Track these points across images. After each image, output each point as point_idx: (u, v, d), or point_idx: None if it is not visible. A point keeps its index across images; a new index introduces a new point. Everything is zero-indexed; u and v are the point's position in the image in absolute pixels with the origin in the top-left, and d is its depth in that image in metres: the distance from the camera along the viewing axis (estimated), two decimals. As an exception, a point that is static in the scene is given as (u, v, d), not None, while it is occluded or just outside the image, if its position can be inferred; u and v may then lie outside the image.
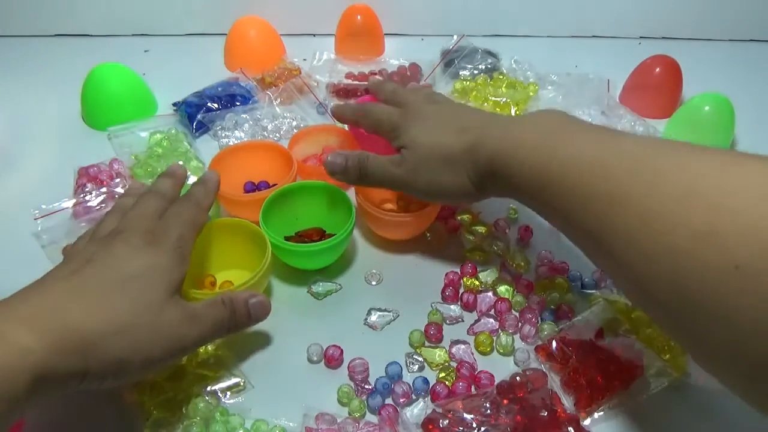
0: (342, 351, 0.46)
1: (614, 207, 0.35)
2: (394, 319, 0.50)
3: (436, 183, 0.47)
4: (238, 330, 0.43)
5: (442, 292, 0.51)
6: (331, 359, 0.46)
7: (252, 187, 0.59)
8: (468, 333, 0.49)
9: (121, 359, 0.34)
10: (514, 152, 0.42)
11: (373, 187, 0.52)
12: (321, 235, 0.53)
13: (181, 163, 0.63)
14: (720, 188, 0.31)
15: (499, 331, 0.48)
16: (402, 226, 0.54)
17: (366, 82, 0.75)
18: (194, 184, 0.47)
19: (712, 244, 0.30)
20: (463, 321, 0.50)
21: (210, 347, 0.46)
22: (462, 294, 0.51)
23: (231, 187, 0.57)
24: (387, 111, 0.52)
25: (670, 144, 0.36)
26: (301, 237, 0.54)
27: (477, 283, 0.52)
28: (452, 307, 0.50)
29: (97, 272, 0.36)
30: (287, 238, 0.53)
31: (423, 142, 0.47)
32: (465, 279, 0.52)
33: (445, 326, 0.49)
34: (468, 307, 0.50)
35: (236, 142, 0.67)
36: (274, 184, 0.58)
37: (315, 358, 0.46)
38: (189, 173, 0.63)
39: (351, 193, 0.54)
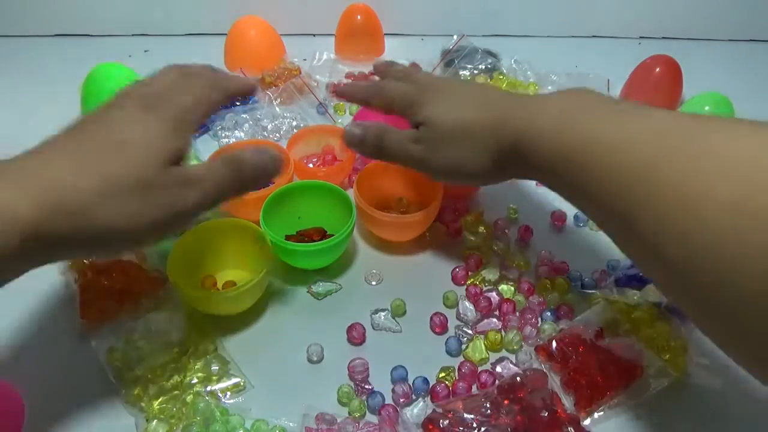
0: (365, 329, 0.48)
1: (642, 183, 0.33)
2: (394, 319, 0.50)
3: (455, 162, 0.45)
4: (246, 191, 0.41)
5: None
6: (355, 333, 0.47)
7: None
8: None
9: (114, 223, 0.34)
10: (539, 131, 0.41)
11: (391, 162, 0.50)
12: (322, 234, 0.53)
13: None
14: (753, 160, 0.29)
15: (502, 331, 0.48)
16: (401, 228, 0.54)
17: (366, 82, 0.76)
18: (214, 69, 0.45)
19: (745, 218, 0.28)
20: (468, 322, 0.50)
21: (210, 347, 0.46)
22: (468, 287, 0.52)
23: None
24: (402, 87, 0.49)
25: (701, 118, 0.35)
26: (302, 236, 0.54)
27: (481, 278, 0.52)
28: (468, 306, 0.50)
29: (90, 136, 0.36)
30: (288, 237, 0.53)
31: (442, 119, 0.45)
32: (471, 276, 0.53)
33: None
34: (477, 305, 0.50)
35: (236, 142, 0.67)
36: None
37: (315, 358, 0.46)
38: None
39: (351, 193, 0.54)
